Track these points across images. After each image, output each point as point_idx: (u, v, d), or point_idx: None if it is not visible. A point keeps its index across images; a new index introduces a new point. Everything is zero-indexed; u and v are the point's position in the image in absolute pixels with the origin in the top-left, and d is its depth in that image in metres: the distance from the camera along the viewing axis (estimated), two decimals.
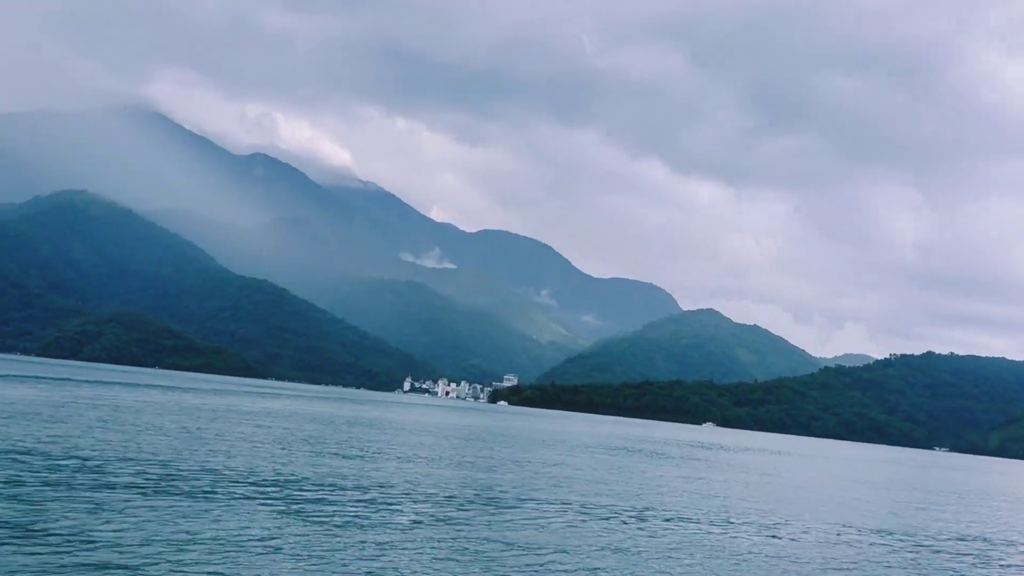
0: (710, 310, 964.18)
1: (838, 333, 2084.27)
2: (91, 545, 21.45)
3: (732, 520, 42.08)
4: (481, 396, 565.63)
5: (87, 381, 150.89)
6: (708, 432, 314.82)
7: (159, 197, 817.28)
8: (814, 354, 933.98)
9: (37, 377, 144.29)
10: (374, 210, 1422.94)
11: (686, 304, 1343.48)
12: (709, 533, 36.35)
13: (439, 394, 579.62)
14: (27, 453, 37.74)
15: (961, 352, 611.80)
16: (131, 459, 39.97)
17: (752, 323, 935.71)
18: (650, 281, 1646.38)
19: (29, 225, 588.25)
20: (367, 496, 36.02)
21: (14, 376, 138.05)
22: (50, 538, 21.63)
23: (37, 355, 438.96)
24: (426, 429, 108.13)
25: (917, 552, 38.60)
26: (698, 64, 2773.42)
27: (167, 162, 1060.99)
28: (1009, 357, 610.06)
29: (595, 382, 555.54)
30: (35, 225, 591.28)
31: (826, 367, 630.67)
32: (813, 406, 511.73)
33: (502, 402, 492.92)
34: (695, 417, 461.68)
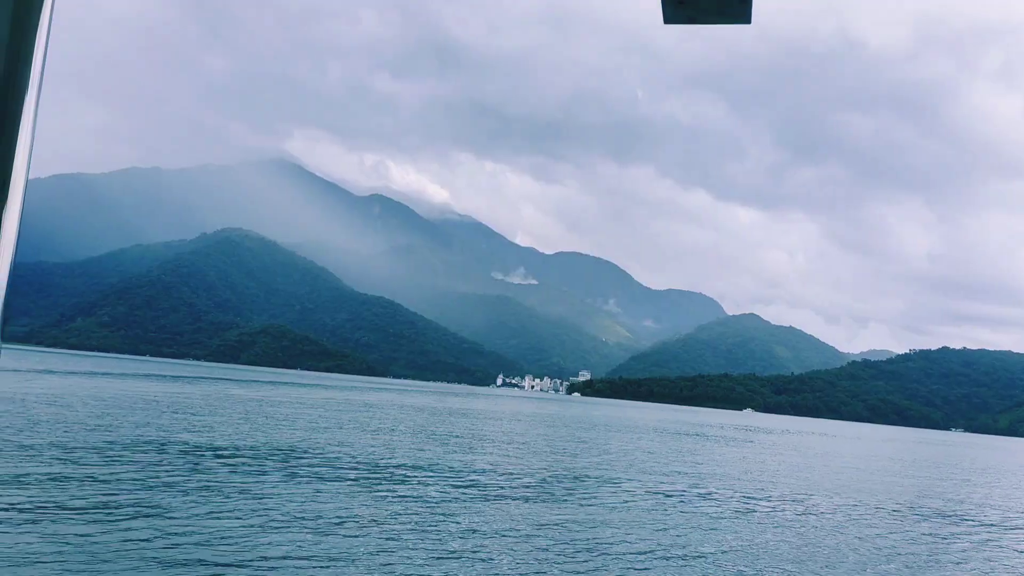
0: (752, 314, 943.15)
1: (863, 332, 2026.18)
2: (214, 523, 19.08)
3: (802, 495, 37.99)
4: (560, 389, 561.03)
5: (243, 380, 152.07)
6: (749, 416, 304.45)
7: (298, 231, 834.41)
8: (842, 350, 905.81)
9: (203, 378, 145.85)
10: (470, 238, 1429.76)
11: (731, 309, 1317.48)
12: (783, 509, 32.49)
13: (526, 388, 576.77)
14: (188, 441, 35.92)
15: (972, 347, 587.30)
16: (264, 445, 37.89)
17: (788, 324, 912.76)
18: (700, 291, 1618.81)
19: (198, 257, 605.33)
20: (471, 477, 33.18)
21: (184, 377, 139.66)
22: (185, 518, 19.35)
23: (205, 360, 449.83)
24: (518, 417, 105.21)
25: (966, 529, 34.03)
26: (734, 108, 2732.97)
27: (304, 203, 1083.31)
28: (1015, 350, 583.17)
29: (655, 376, 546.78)
30: (202, 257, 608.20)
31: (853, 361, 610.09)
32: (843, 394, 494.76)
33: (576, 394, 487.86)
34: (740, 404, 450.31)
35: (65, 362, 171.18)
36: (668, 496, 33.39)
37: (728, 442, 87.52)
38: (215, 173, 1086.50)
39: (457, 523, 22.60)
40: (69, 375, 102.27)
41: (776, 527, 27.78)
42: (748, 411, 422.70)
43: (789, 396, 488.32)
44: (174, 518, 19.75)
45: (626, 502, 30.23)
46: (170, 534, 18.10)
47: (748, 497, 36.01)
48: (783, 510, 32.82)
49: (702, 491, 36.57)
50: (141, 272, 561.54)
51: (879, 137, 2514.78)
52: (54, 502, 20.14)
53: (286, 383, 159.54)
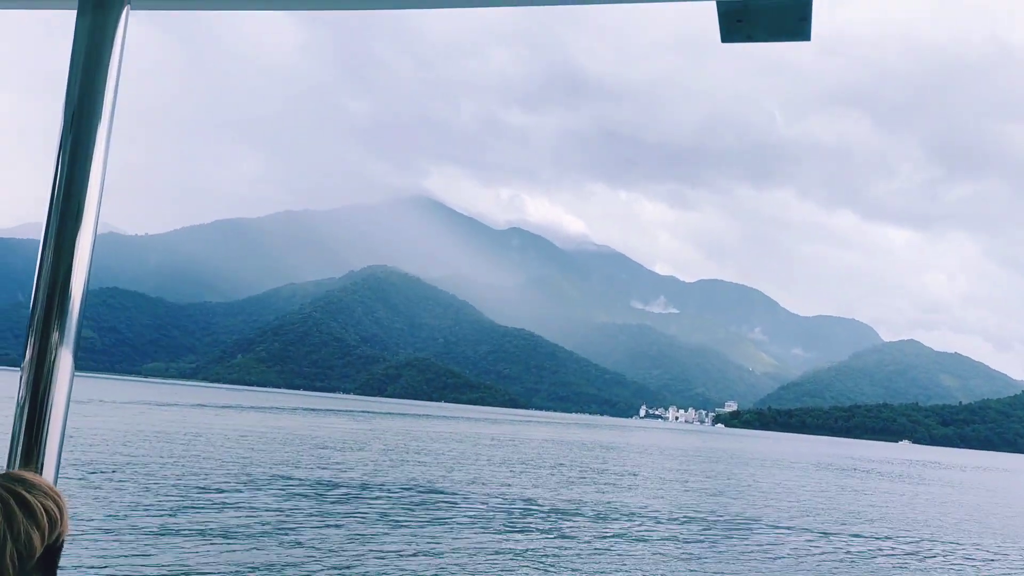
0: (911, 340, 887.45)
1: None
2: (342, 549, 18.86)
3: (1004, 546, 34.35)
4: (706, 420, 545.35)
5: (389, 413, 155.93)
6: (907, 449, 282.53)
7: (439, 266, 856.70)
8: (1016, 378, 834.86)
9: (352, 411, 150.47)
10: (608, 267, 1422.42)
11: (888, 336, 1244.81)
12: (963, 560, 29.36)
13: (669, 419, 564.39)
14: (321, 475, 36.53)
15: None
16: (401, 480, 38.00)
17: (953, 351, 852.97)
18: (852, 316, 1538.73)
19: (345, 293, 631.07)
20: (621, 514, 31.90)
21: (333, 410, 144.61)
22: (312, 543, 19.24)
23: (354, 394, 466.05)
24: (667, 452, 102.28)
25: None
26: (880, 124, 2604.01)
27: (444, 238, 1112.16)
28: None
29: (806, 406, 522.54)
30: (350, 293, 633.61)
31: None
32: (1019, 425, 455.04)
33: (720, 425, 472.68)
34: (901, 436, 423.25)
35: (231, 397, 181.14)
36: (829, 539, 30.94)
37: (895, 479, 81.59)
38: (360, 212, 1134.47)
39: (591, 562, 21.54)
40: (247, 410, 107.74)
41: None
42: (905, 443, 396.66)
43: (957, 427, 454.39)
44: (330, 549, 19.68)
45: (794, 551, 28.16)
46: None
47: (922, 542, 32.91)
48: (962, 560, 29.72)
49: (868, 535, 33.74)
50: (294, 310, 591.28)
51: None
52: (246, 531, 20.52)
53: (432, 415, 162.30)
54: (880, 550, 30.12)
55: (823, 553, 27.97)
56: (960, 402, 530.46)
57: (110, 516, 22.57)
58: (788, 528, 33.87)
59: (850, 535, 33.38)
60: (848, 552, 28.72)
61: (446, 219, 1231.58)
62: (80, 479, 29.46)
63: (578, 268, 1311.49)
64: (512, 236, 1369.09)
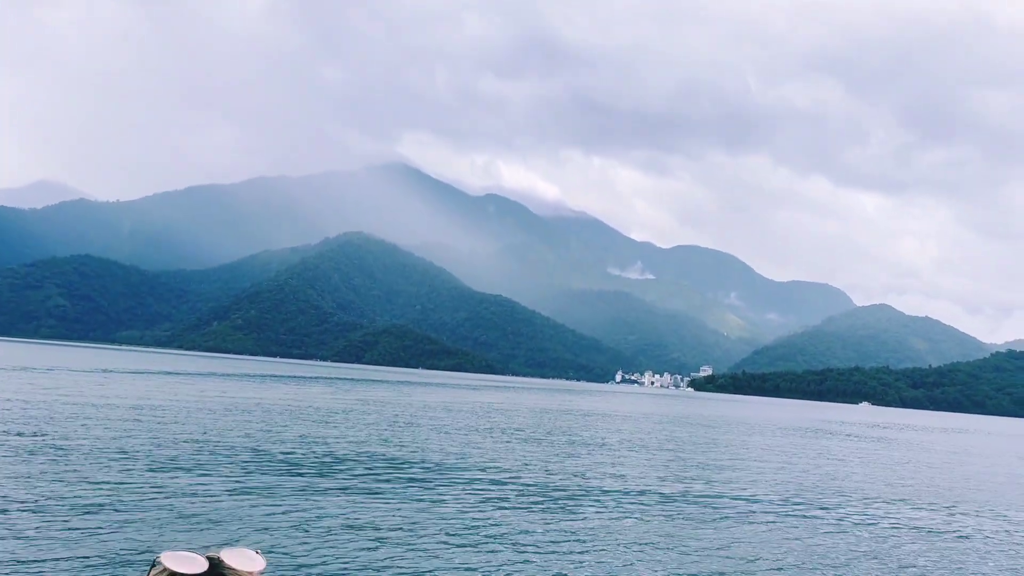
0: (883, 305, 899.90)
1: (1007, 321, 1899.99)
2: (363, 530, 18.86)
3: (974, 512, 35.06)
4: (681, 385, 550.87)
5: (368, 380, 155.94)
6: (866, 412, 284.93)
7: (415, 233, 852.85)
8: (985, 341, 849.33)
9: (334, 379, 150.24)
10: (584, 234, 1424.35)
11: (860, 301, 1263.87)
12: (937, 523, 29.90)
13: (645, 384, 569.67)
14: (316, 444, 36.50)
15: None
16: (386, 451, 38.06)
17: (924, 315, 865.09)
18: (826, 282, 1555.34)
19: (321, 260, 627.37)
20: (602, 487, 32.15)
21: (310, 377, 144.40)
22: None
23: (331, 360, 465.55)
24: (647, 416, 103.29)
25: None
26: (854, 90, 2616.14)
27: (420, 205, 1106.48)
28: None
29: (780, 370, 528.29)
30: (326, 260, 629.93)
31: (998, 352, 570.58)
32: (988, 387, 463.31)
33: (688, 388, 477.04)
34: (873, 399, 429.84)
35: (206, 364, 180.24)
36: (796, 505, 31.40)
37: (862, 440, 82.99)
38: (336, 179, 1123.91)
39: (580, 536, 21.66)
40: (224, 378, 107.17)
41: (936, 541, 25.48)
42: (864, 405, 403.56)
43: (927, 390, 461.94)
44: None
45: (766, 513, 28.52)
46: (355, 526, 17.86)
47: (890, 504, 33.48)
48: (936, 523, 30.26)
49: (831, 499, 34.27)
50: (270, 277, 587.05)
51: (1014, 114, 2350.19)
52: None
53: (415, 383, 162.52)
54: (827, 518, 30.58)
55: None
56: (930, 365, 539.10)
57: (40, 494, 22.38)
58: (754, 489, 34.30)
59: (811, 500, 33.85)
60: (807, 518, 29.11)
61: (422, 186, 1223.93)
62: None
63: (555, 234, 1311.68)
64: (488, 203, 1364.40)
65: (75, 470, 24.02)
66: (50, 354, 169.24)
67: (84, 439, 31.03)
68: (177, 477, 24.31)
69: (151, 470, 25.25)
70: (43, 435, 31.27)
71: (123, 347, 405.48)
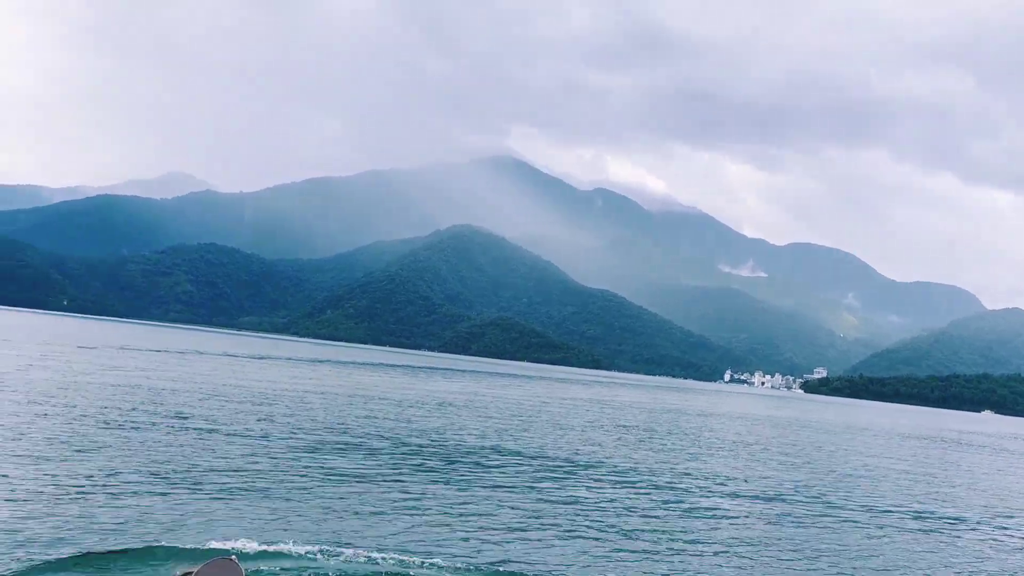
0: (1016, 309, 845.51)
1: None
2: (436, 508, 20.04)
3: None
4: (793, 386, 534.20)
5: (475, 371, 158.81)
6: (992, 420, 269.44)
7: (523, 226, 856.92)
8: None
9: (448, 369, 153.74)
10: (694, 229, 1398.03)
11: (990, 303, 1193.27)
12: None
13: (755, 384, 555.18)
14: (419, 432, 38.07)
15: None
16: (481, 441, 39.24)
17: None
18: (952, 283, 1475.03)
19: (431, 252, 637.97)
20: (705, 485, 32.43)
21: (421, 368, 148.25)
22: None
23: (438, 351, 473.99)
24: (763, 419, 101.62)
25: None
26: (983, 81, 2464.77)
27: (528, 198, 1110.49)
28: None
29: (901, 375, 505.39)
30: (436, 252, 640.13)
31: None
32: None
33: (799, 390, 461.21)
34: (1001, 408, 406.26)
35: (322, 351, 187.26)
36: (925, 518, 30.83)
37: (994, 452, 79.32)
38: (445, 172, 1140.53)
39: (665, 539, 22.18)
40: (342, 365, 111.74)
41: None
42: (987, 413, 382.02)
43: None
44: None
45: (881, 528, 28.30)
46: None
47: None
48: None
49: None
50: (381, 268, 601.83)
51: None
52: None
53: (521, 375, 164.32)
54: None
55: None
56: None
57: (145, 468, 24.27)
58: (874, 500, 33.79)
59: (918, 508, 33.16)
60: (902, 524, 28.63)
61: (530, 179, 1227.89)
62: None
63: (663, 230, 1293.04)
64: (596, 197, 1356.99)
65: (272, 449, 26.13)
66: (183, 338, 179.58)
67: (274, 425, 33.49)
68: (330, 461, 26.14)
69: (274, 456, 27.17)
70: (212, 419, 33.90)
71: (243, 332, 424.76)
